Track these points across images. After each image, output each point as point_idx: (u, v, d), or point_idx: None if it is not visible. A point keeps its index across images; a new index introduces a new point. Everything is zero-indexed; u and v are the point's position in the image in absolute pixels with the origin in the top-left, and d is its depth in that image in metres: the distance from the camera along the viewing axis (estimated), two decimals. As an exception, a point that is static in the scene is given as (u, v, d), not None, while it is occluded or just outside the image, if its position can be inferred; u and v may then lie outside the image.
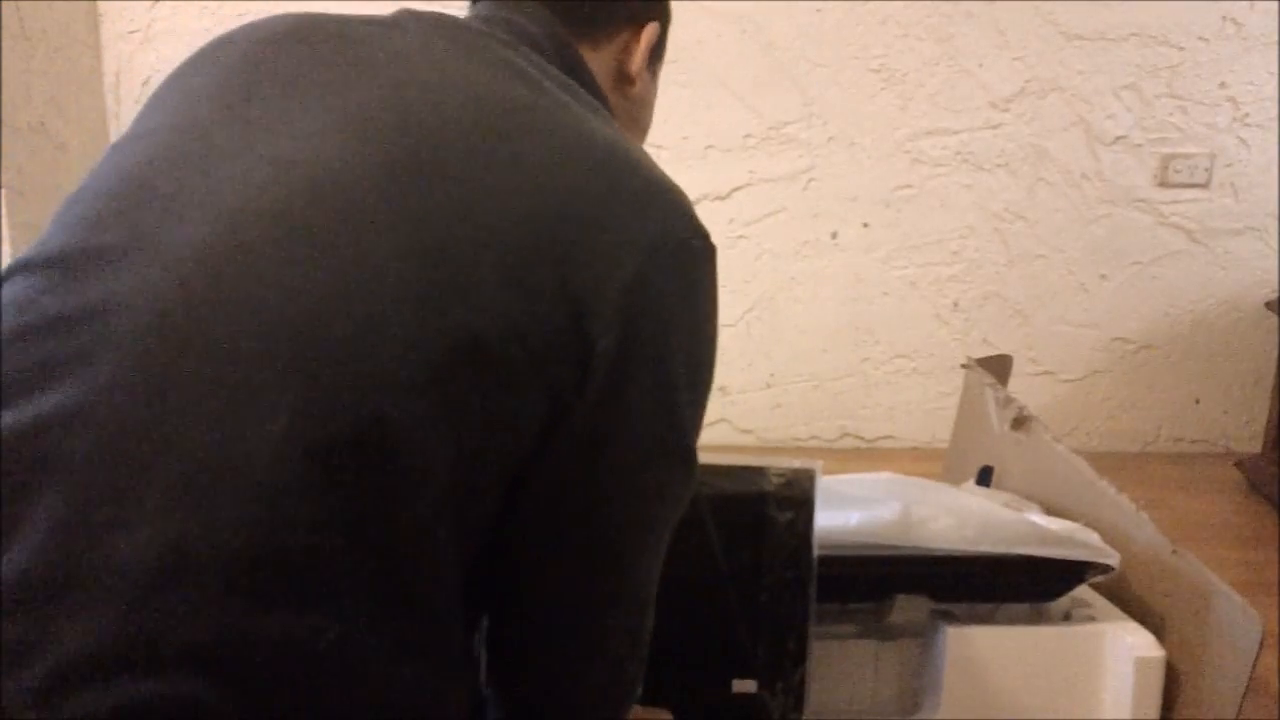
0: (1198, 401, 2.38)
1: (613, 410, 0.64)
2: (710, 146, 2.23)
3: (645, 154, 0.71)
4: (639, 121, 0.87)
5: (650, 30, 0.83)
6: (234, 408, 0.55)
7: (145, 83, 2.22)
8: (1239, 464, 2.18)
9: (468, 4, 0.82)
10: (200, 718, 0.51)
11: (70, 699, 0.50)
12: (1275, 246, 2.32)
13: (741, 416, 2.34)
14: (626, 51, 0.83)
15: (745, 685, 0.96)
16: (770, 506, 0.96)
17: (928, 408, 2.34)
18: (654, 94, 0.88)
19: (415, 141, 0.63)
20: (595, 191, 0.64)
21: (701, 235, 0.69)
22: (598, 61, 0.80)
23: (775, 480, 0.96)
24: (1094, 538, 1.08)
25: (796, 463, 0.98)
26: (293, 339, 0.56)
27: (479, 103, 0.66)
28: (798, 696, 0.96)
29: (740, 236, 2.27)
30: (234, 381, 0.55)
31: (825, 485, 0.99)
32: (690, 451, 0.70)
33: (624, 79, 0.83)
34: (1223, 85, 2.25)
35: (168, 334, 0.56)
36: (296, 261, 0.58)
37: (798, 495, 0.96)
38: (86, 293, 0.58)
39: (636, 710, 0.74)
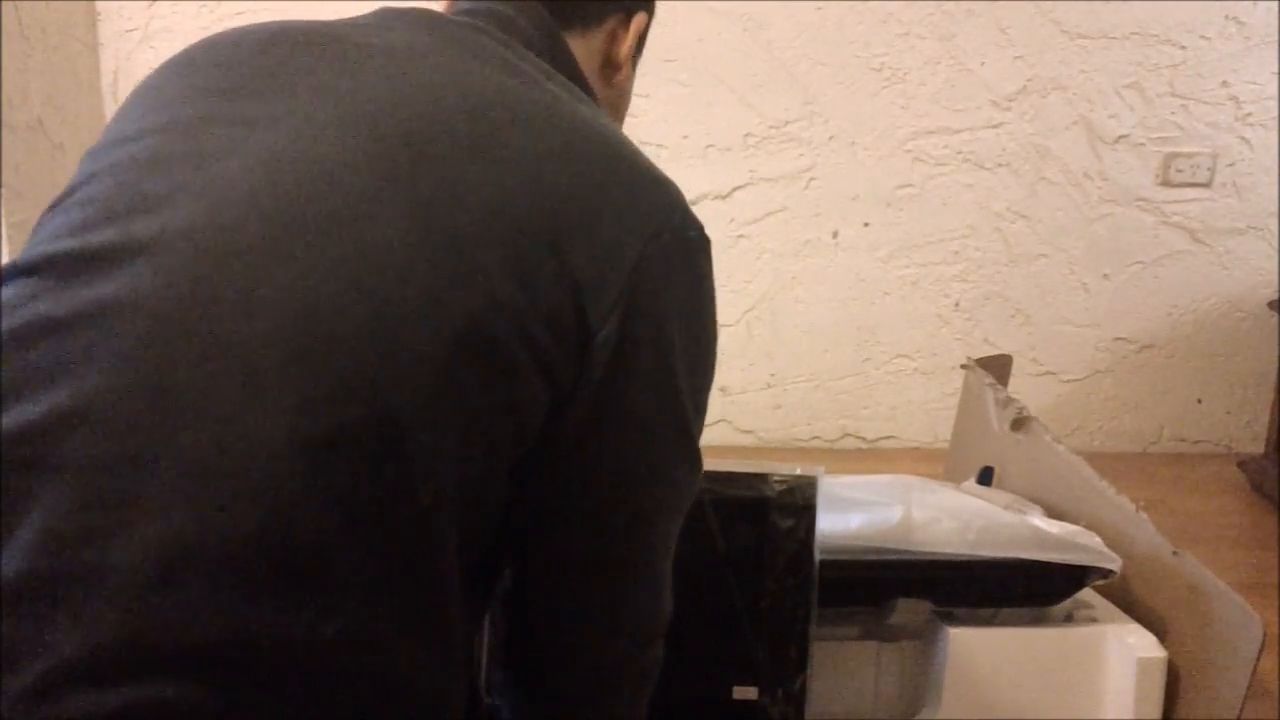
0: (1200, 402, 2.37)
1: (613, 398, 0.64)
2: (710, 145, 2.23)
3: (636, 146, 0.71)
4: (619, 110, 0.87)
5: (639, 20, 0.83)
6: (233, 406, 0.54)
7: (145, 82, 2.22)
8: (1241, 464, 2.18)
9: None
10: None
11: (66, 702, 0.49)
12: (1277, 246, 2.31)
13: (742, 416, 2.33)
14: (614, 40, 0.82)
15: (746, 691, 0.96)
16: (772, 513, 0.96)
17: (929, 408, 2.34)
18: (632, 84, 0.88)
19: (411, 134, 0.62)
20: (593, 181, 0.64)
21: (697, 227, 0.69)
22: (585, 49, 0.80)
23: (777, 486, 0.96)
24: (1096, 541, 1.08)
25: (798, 469, 0.97)
26: (294, 334, 0.56)
27: (472, 96, 0.65)
28: (798, 703, 0.96)
29: (741, 236, 2.26)
30: (232, 380, 0.55)
31: (826, 487, 0.99)
32: (691, 440, 0.70)
33: (610, 67, 0.82)
34: (1225, 84, 2.24)
35: (164, 335, 0.56)
36: (295, 257, 0.58)
37: (799, 502, 0.96)
38: (80, 296, 0.57)
39: None
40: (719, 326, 0.73)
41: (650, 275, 0.64)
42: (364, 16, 0.72)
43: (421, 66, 0.67)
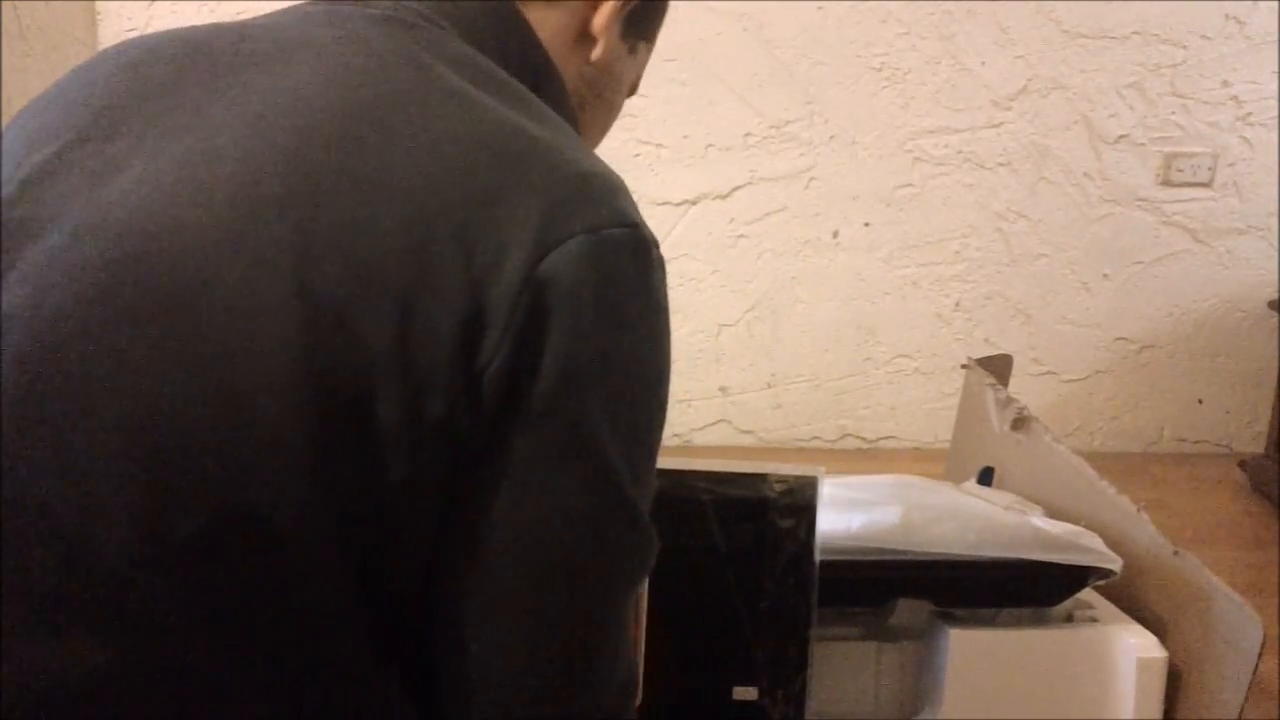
0: (1200, 402, 2.37)
1: (504, 451, 0.53)
2: (710, 145, 2.23)
3: (563, 139, 0.59)
4: (603, 96, 0.74)
5: None
6: (74, 524, 0.48)
7: (145, 82, 2.22)
8: (1242, 464, 2.18)
9: None
10: None
11: None
12: (1278, 246, 2.31)
13: (742, 417, 2.33)
14: (592, 7, 0.70)
15: (746, 692, 0.96)
16: (772, 513, 0.96)
17: (929, 408, 2.34)
18: (627, 70, 0.76)
19: (263, 176, 0.53)
20: (479, 191, 0.53)
21: (627, 224, 0.56)
22: (555, 21, 0.68)
23: (777, 487, 0.96)
24: (1096, 542, 1.08)
25: (799, 469, 0.97)
26: (133, 437, 0.49)
27: (346, 116, 0.55)
28: (798, 704, 0.96)
29: (741, 236, 2.26)
30: (73, 483, 0.49)
31: (827, 487, 0.99)
32: (623, 499, 0.55)
33: (585, 39, 0.70)
34: (1225, 84, 2.24)
35: (7, 417, 0.49)
36: (128, 344, 0.50)
37: (800, 502, 0.96)
38: None
39: None
40: (673, 346, 0.61)
41: (550, 291, 0.52)
42: (269, 18, 0.64)
43: (296, 82, 0.57)
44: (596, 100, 0.74)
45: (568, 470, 0.54)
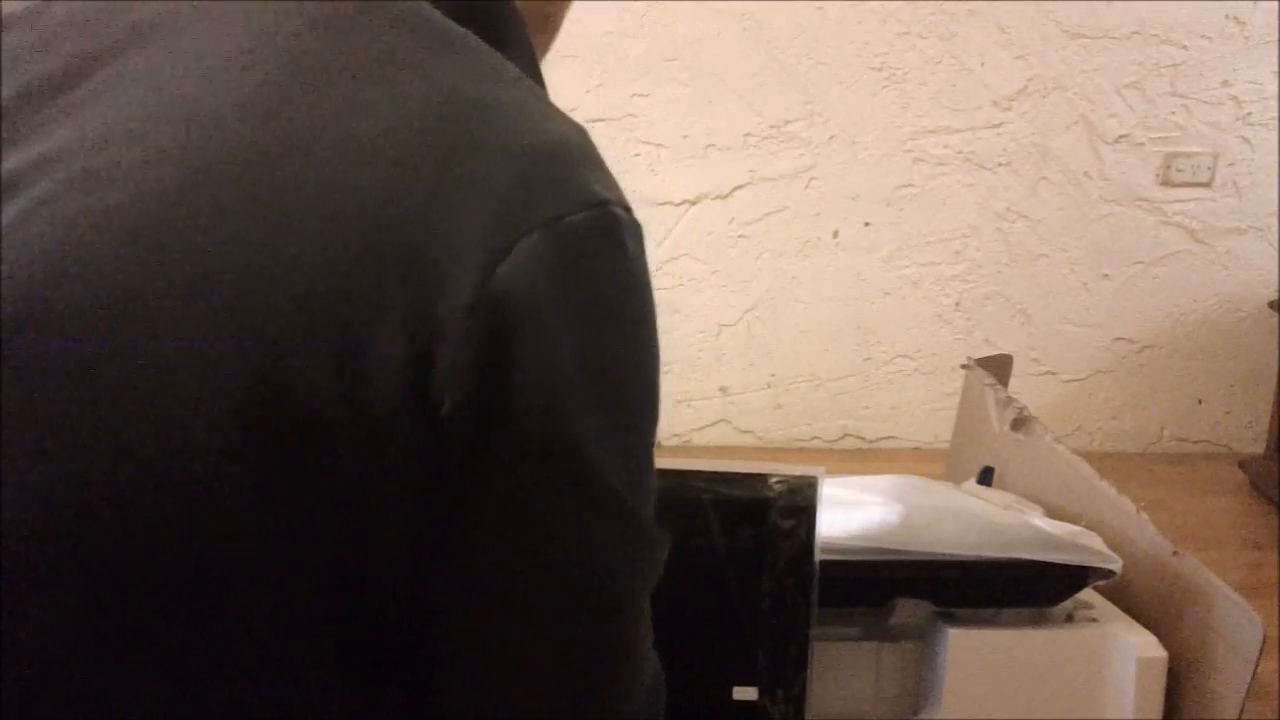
0: (1200, 402, 2.37)
1: (485, 493, 0.46)
2: (710, 145, 2.23)
3: (517, 97, 0.50)
4: (549, 19, 0.65)
5: None
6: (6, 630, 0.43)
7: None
8: (1242, 465, 2.18)
9: None
10: None
11: None
12: (1278, 246, 2.31)
13: (742, 417, 2.33)
14: None
15: (746, 692, 0.96)
16: (772, 513, 0.95)
17: (930, 408, 2.34)
18: None
19: (166, 190, 0.45)
20: (416, 194, 0.45)
21: (592, 202, 0.47)
22: None
23: (778, 487, 0.96)
24: (1097, 542, 1.08)
25: (799, 469, 0.97)
26: (52, 522, 0.43)
27: (246, 107, 0.47)
28: (798, 704, 0.96)
29: (741, 236, 2.26)
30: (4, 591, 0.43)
31: (827, 487, 0.99)
32: (623, 513, 0.49)
33: None
34: (1225, 84, 2.24)
35: None
36: (30, 419, 0.44)
37: (800, 502, 0.96)
38: None
39: None
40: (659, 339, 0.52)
41: (509, 307, 0.44)
42: None
43: (185, 67, 0.49)
44: (543, 24, 0.64)
45: (562, 505, 0.47)
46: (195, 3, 0.51)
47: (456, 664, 0.49)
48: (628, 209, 0.49)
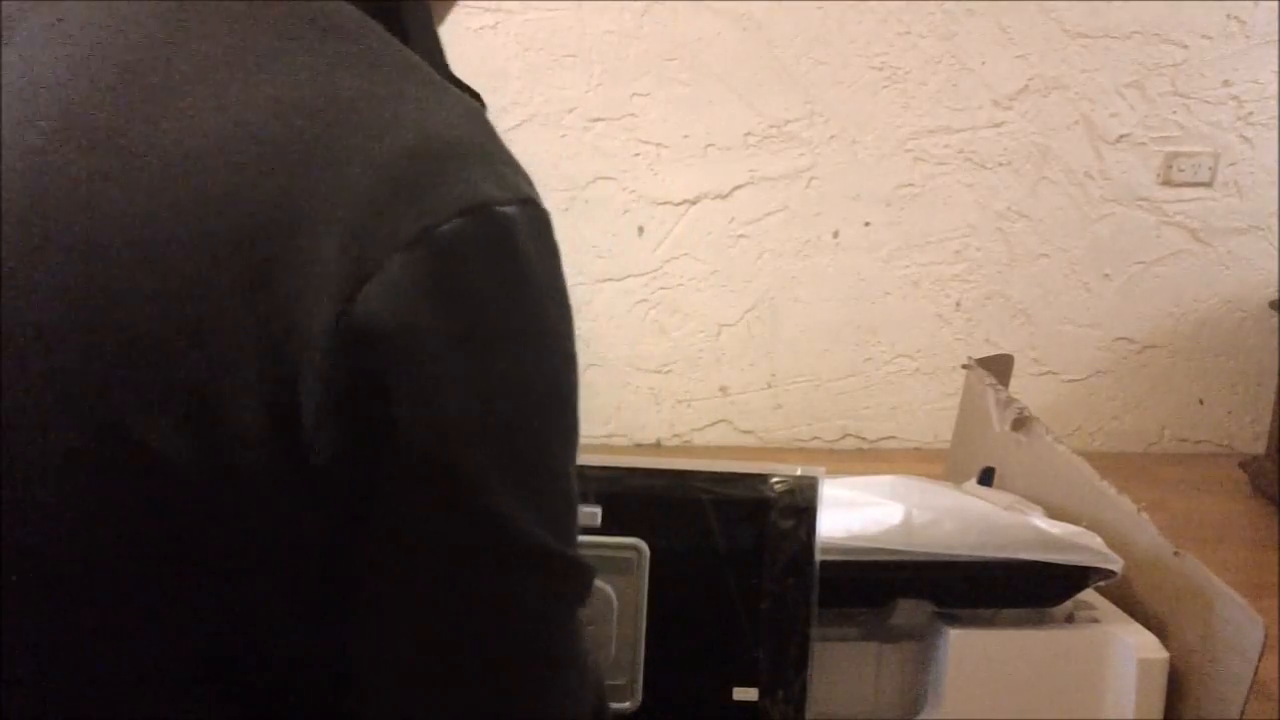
0: (1201, 402, 2.37)
1: (386, 543, 0.42)
2: (711, 145, 2.23)
3: (397, 86, 0.43)
4: None
5: None
6: None
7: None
8: (1242, 465, 2.18)
9: None
10: None
11: None
12: (1278, 245, 2.31)
13: (742, 417, 2.33)
14: None
15: (746, 692, 0.96)
16: (772, 514, 0.95)
17: (930, 408, 2.33)
18: None
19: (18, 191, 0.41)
20: (268, 216, 0.39)
21: (472, 204, 0.41)
22: None
23: (778, 487, 0.96)
24: (1097, 542, 1.08)
25: (799, 469, 0.97)
26: None
27: (74, 120, 0.42)
28: (798, 704, 0.96)
29: (741, 236, 2.26)
30: None
31: (827, 488, 0.99)
32: (519, 537, 0.43)
33: None
34: (1226, 83, 2.24)
35: None
36: None
37: (800, 502, 0.96)
38: None
39: None
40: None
41: (375, 339, 0.39)
42: None
43: (63, 68, 0.43)
44: None
45: (462, 555, 0.42)
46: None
47: (377, 697, 0.45)
48: (525, 201, 0.42)
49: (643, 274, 2.20)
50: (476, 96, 0.46)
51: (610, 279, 2.20)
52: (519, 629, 0.45)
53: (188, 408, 0.39)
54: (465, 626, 0.44)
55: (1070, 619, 1.11)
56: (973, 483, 1.38)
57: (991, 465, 1.41)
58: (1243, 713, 0.99)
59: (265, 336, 0.38)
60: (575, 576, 0.47)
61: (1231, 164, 2.27)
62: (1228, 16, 2.21)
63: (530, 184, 0.43)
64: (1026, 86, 2.23)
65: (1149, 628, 1.09)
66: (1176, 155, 2.26)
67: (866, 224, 2.27)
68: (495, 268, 0.41)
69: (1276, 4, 2.21)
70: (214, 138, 0.40)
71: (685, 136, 2.22)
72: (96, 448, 0.39)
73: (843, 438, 2.36)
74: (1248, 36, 2.22)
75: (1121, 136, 2.26)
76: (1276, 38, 2.22)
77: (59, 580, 0.40)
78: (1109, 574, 1.08)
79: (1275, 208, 2.29)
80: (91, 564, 0.40)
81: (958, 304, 2.31)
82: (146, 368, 0.39)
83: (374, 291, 0.38)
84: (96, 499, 0.39)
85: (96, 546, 0.40)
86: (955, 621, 1.08)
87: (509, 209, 0.41)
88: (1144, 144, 2.26)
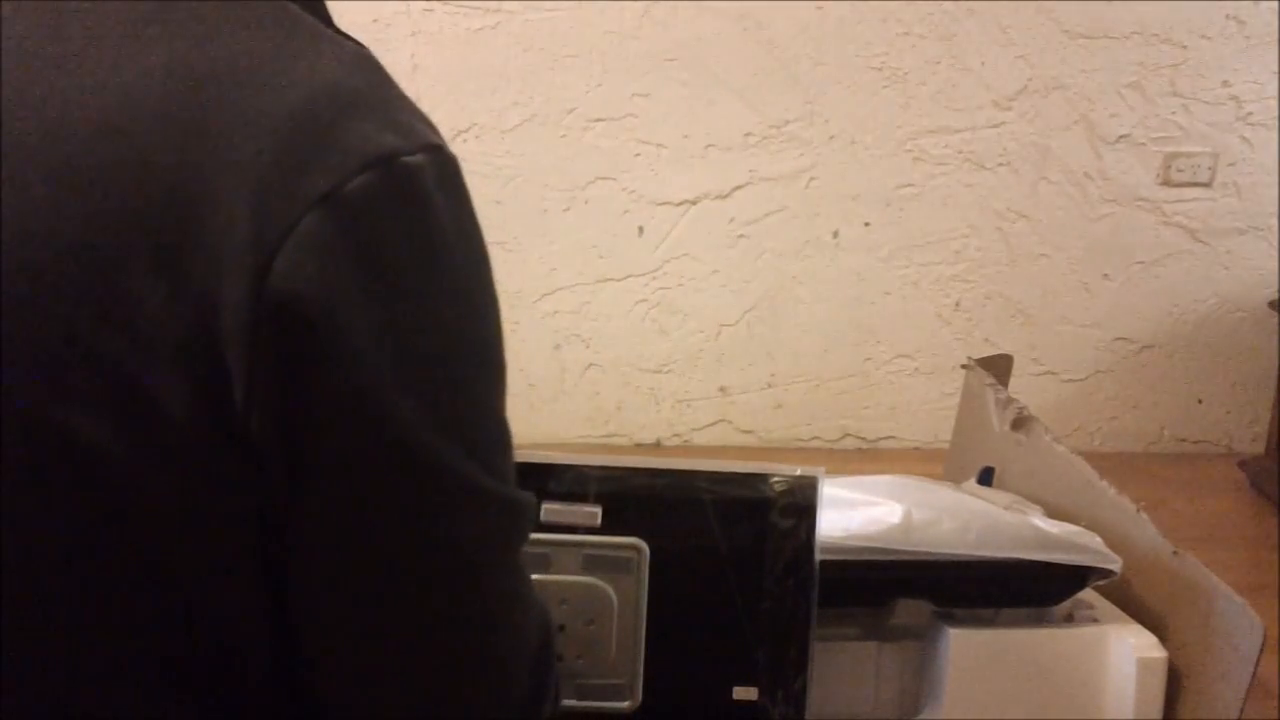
0: (1200, 402, 2.37)
1: (328, 500, 0.43)
2: (710, 145, 2.23)
3: (283, 45, 0.43)
4: None
5: None
6: None
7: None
8: (1242, 465, 2.18)
9: None
10: None
11: None
12: (1278, 246, 2.31)
13: (742, 417, 2.33)
14: None
15: (746, 692, 0.96)
16: (772, 513, 0.96)
17: (930, 408, 2.34)
18: None
19: None
20: (169, 192, 0.39)
21: (376, 158, 0.40)
22: None
23: (778, 487, 0.96)
24: (1097, 542, 1.08)
25: (799, 469, 0.97)
26: None
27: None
28: (798, 704, 0.96)
29: (741, 236, 2.26)
30: None
31: (827, 487, 0.99)
32: (454, 476, 0.45)
33: None
34: (1226, 84, 2.24)
35: None
36: None
37: (800, 502, 0.96)
38: None
39: None
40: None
41: (296, 304, 0.39)
42: None
43: None
44: None
45: (401, 500, 0.44)
46: None
47: (329, 662, 0.47)
48: (429, 148, 0.42)
49: (643, 274, 2.20)
50: (362, 49, 0.46)
51: (610, 279, 2.20)
52: (461, 568, 0.46)
53: (113, 396, 0.38)
54: (408, 572, 0.45)
55: (1070, 618, 1.11)
56: (972, 482, 1.39)
57: (991, 465, 1.41)
58: (1242, 712, 1.00)
59: (184, 314, 0.38)
60: (513, 513, 0.48)
61: (1231, 164, 2.27)
62: (1227, 17, 2.21)
63: (434, 129, 0.43)
64: (1026, 87, 2.23)
65: (1148, 627, 1.09)
66: (1176, 155, 2.26)
67: (866, 224, 2.27)
68: (406, 220, 0.41)
69: (1276, 4, 2.21)
70: (108, 111, 0.39)
71: (685, 137, 2.22)
72: (25, 445, 0.38)
73: (842, 438, 2.36)
74: (1247, 37, 2.22)
75: (1121, 137, 2.26)
76: (1276, 38, 2.22)
77: (4, 581, 0.40)
78: (1108, 573, 1.08)
79: (1275, 208, 2.29)
80: (35, 562, 0.40)
81: (957, 304, 2.31)
82: (67, 359, 0.38)
83: (289, 256, 0.38)
84: (33, 497, 0.39)
85: (38, 544, 0.40)
86: (955, 621, 1.08)
87: (414, 158, 0.41)
88: (1143, 144, 2.26)
